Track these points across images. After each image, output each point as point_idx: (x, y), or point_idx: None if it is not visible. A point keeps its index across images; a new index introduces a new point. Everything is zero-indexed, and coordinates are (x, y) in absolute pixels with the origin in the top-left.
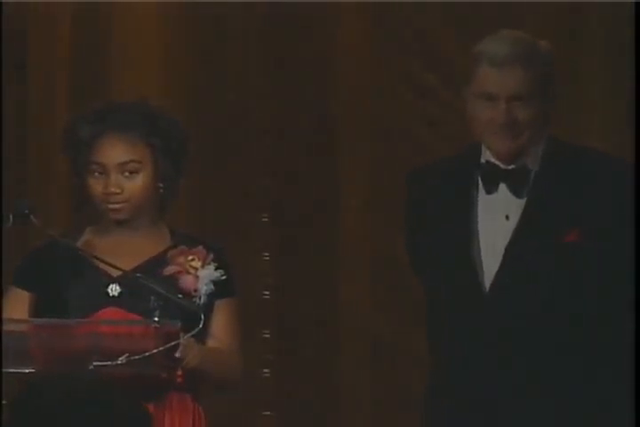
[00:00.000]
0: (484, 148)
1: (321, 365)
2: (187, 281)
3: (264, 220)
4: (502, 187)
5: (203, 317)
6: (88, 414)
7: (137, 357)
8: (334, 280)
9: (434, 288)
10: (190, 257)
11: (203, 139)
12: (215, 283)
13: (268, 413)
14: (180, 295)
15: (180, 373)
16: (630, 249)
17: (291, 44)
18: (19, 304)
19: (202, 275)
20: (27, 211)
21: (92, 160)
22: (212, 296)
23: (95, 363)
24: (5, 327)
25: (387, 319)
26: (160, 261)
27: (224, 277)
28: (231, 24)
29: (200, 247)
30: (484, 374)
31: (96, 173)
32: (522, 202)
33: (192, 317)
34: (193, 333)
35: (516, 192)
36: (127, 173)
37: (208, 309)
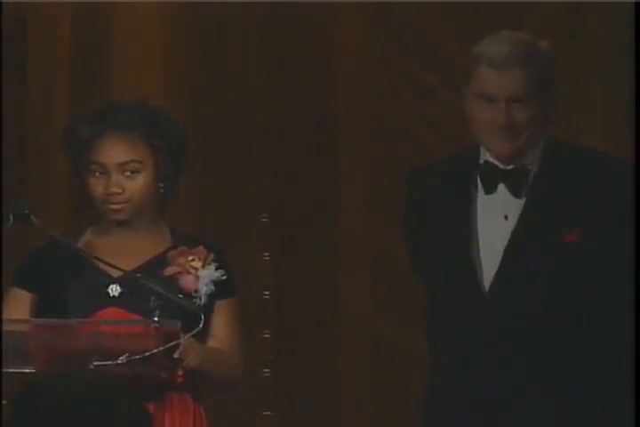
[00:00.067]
0: (482, 148)
1: (321, 365)
2: (187, 281)
3: (264, 220)
4: (501, 187)
5: (203, 317)
6: (88, 414)
7: (137, 357)
8: (334, 280)
9: (433, 288)
10: (191, 257)
11: (203, 139)
12: (215, 283)
13: (268, 413)
14: (180, 295)
15: (180, 373)
16: (630, 249)
17: (291, 44)
18: (19, 304)
19: (202, 275)
20: (27, 211)
21: (93, 160)
22: (212, 296)
23: (95, 363)
24: (6, 327)
25: (387, 319)
26: (160, 261)
27: (224, 278)
28: (231, 24)
29: (200, 247)
30: (484, 374)
31: (97, 173)
32: (521, 202)
33: (192, 317)
34: (193, 333)
35: (515, 192)
36: (128, 173)
37: (208, 309)
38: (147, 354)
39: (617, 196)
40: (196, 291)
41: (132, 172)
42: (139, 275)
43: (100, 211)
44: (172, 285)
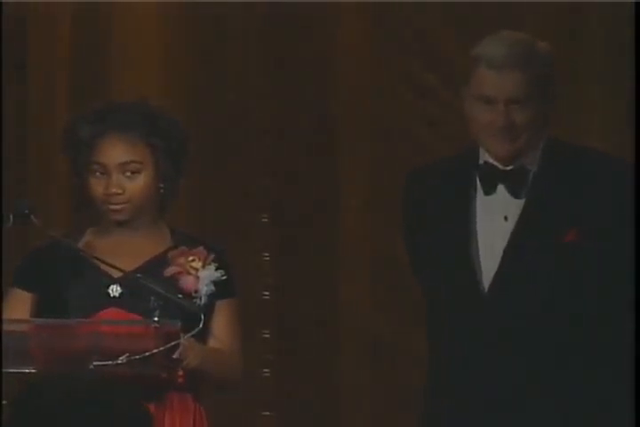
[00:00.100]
0: (482, 149)
1: (321, 365)
2: (187, 282)
3: (264, 220)
4: (501, 188)
5: (203, 317)
6: (88, 414)
7: (137, 357)
8: (334, 280)
9: (433, 288)
10: (191, 258)
11: (203, 139)
12: (216, 283)
13: (268, 413)
14: (179, 296)
15: (181, 373)
16: (630, 249)
17: (291, 44)
18: (19, 304)
19: (202, 275)
20: (27, 211)
21: (93, 160)
22: (212, 297)
23: (95, 363)
24: (5, 327)
25: (387, 319)
26: (161, 261)
27: (224, 278)
28: (231, 24)
29: (200, 248)
30: (484, 374)
31: (97, 174)
32: (520, 203)
33: (192, 317)
34: (193, 333)
35: (515, 193)
36: (128, 174)
37: (209, 309)
38: (147, 354)
39: (616, 196)
40: (196, 291)
41: (133, 172)
42: (138, 275)
43: (99, 211)
44: (173, 285)
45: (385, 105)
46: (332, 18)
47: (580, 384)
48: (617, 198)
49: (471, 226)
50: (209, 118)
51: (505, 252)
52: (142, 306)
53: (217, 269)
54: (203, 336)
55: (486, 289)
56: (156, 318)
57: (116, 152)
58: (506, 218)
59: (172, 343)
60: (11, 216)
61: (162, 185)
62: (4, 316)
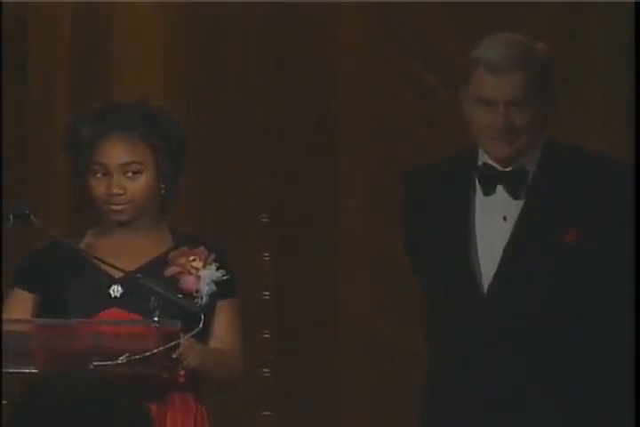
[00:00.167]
0: (481, 150)
1: (321, 365)
2: (188, 282)
3: (264, 220)
4: (500, 188)
5: (203, 317)
6: (88, 414)
7: (137, 357)
8: (334, 280)
9: (433, 288)
10: (191, 258)
11: (203, 139)
12: (217, 283)
13: (268, 413)
14: (179, 296)
15: (182, 373)
16: (630, 249)
17: (291, 44)
18: (20, 305)
19: (203, 275)
20: (27, 211)
21: (95, 161)
22: (213, 297)
23: (95, 363)
24: (6, 327)
25: (387, 319)
26: (162, 261)
27: (225, 278)
28: (231, 24)
29: (201, 248)
30: (484, 374)
31: (98, 174)
32: (519, 203)
33: (193, 317)
34: (193, 333)
35: (514, 194)
36: (130, 174)
37: (210, 309)
38: (146, 354)
39: (616, 196)
40: (197, 291)
41: (134, 172)
42: (138, 275)
43: (100, 211)
44: (174, 285)
45: (385, 105)
46: (331, 18)
47: (580, 384)
48: (616, 198)
49: (470, 226)
50: (209, 118)
51: (504, 252)
52: (143, 306)
53: (218, 268)
54: (204, 336)
55: (486, 289)
56: (156, 318)
57: (117, 152)
58: (505, 218)
59: (172, 343)
60: (11, 216)
61: (163, 185)
62: (5, 316)
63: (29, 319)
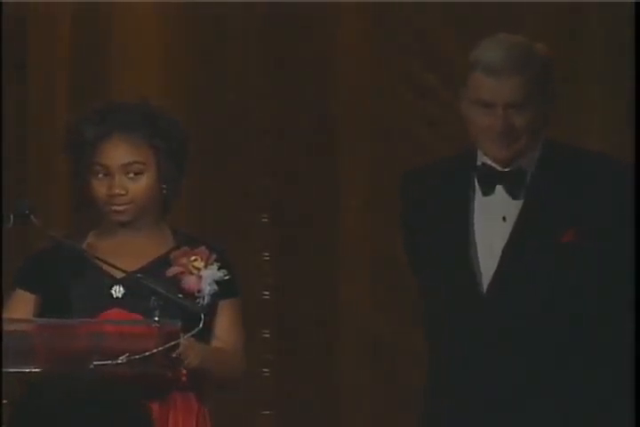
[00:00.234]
0: (480, 150)
1: (321, 365)
2: (190, 282)
3: (264, 220)
4: (499, 189)
5: (203, 317)
6: (88, 414)
7: (137, 356)
8: (334, 280)
9: (432, 288)
10: (193, 258)
11: (203, 139)
12: (218, 283)
13: (268, 412)
14: (179, 295)
15: (184, 372)
16: (630, 249)
17: (291, 44)
18: (22, 306)
19: (205, 275)
20: (27, 211)
21: (96, 161)
22: (215, 296)
23: (95, 362)
24: (6, 327)
25: (387, 319)
26: (163, 262)
27: (227, 278)
28: (231, 24)
29: (203, 248)
30: (484, 374)
31: (100, 175)
32: (518, 203)
33: (194, 317)
34: (193, 332)
35: (513, 194)
36: (131, 175)
37: (212, 309)
38: (146, 354)
39: (615, 196)
40: (198, 291)
41: (136, 173)
42: (139, 275)
43: (100, 212)
44: (175, 285)
45: (385, 105)
46: (331, 18)
47: (580, 384)
48: (616, 198)
49: (470, 226)
50: (209, 118)
51: (504, 252)
52: (144, 306)
53: (219, 268)
54: (206, 336)
55: (485, 289)
56: (156, 318)
57: (119, 153)
58: (504, 218)
59: (172, 343)
60: (11, 216)
61: (164, 186)
62: (7, 316)
63: (30, 319)
